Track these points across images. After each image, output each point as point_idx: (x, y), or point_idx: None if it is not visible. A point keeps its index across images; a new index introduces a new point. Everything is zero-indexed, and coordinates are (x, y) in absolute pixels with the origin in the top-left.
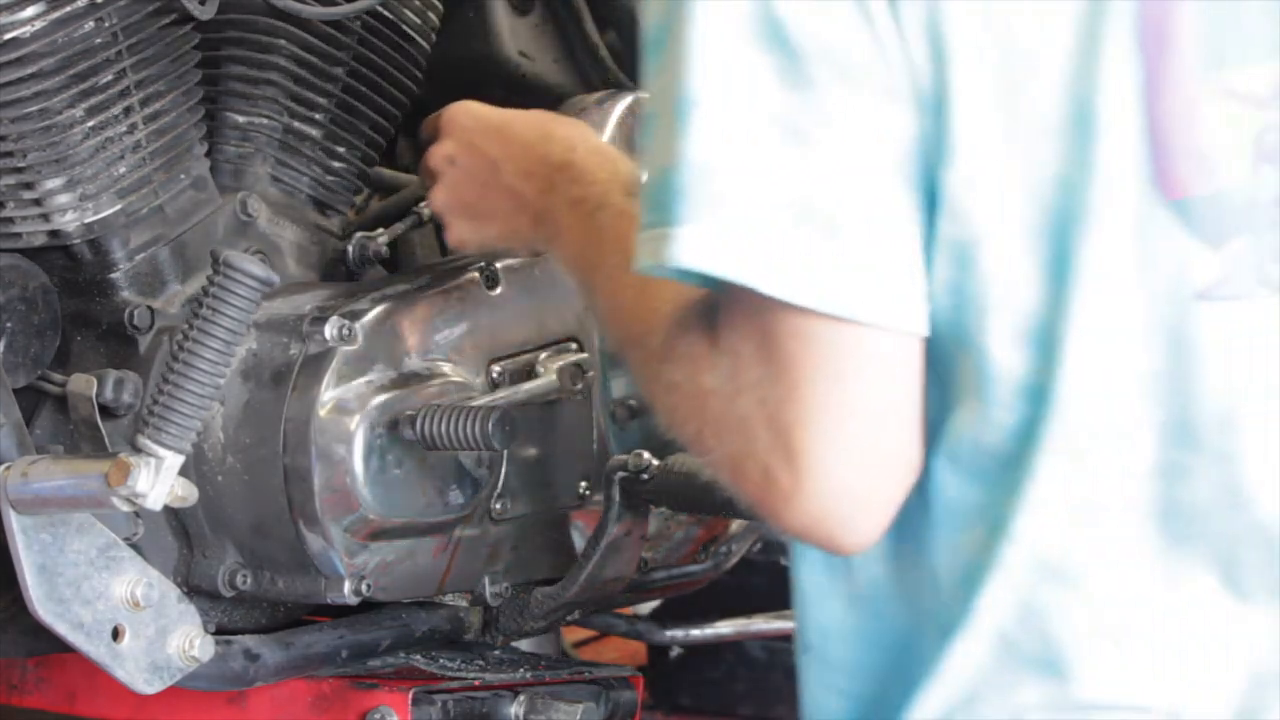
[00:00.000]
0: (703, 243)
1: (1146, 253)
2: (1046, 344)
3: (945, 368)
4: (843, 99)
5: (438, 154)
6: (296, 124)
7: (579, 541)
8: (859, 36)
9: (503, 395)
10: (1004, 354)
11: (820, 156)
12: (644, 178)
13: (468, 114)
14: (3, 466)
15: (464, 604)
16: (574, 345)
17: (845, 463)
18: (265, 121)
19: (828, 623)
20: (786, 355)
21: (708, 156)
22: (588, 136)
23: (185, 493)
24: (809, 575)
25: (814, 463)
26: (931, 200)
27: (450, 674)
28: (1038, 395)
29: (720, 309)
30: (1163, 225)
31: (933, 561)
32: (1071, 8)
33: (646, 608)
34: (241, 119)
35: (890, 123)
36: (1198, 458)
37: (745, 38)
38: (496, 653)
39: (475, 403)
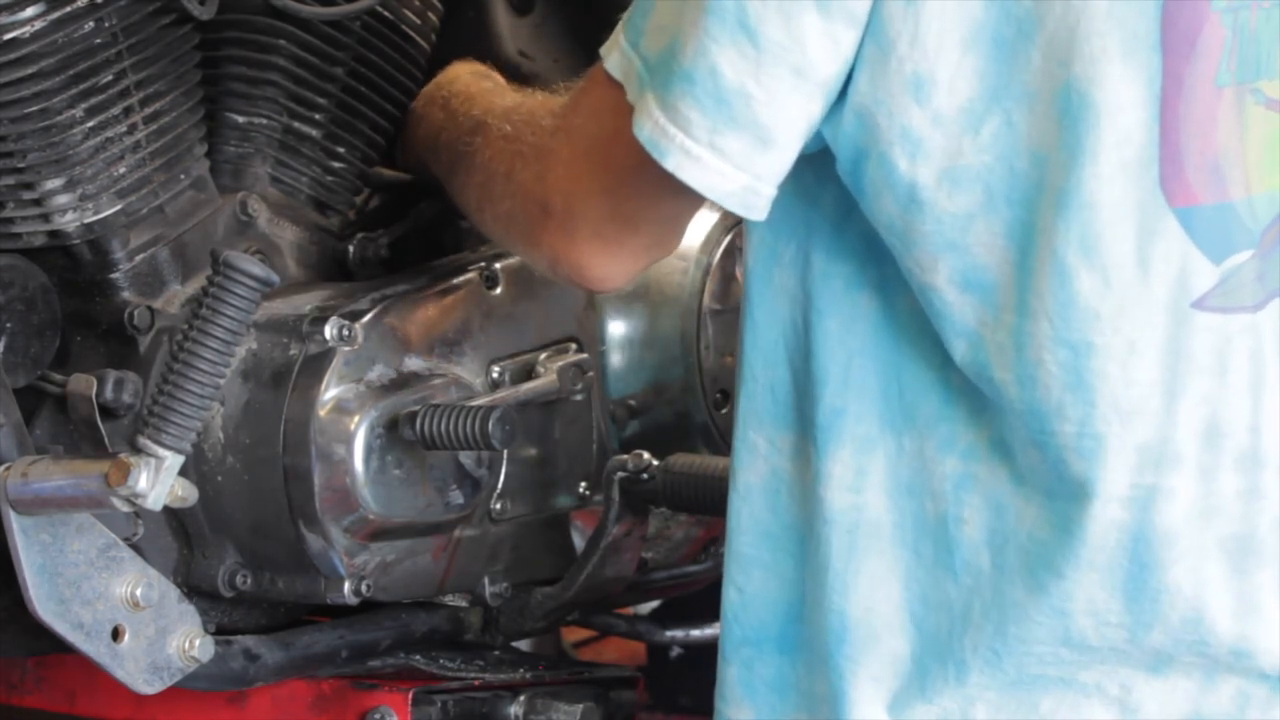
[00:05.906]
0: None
1: (1147, 255)
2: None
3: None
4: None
5: None
6: (296, 124)
7: (579, 541)
8: None
9: (503, 395)
10: (954, 296)
11: (759, 51)
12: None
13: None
14: (3, 466)
15: (464, 604)
16: (574, 345)
17: (601, 235)
18: (265, 121)
19: (733, 516)
20: (616, 155)
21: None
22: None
23: (185, 493)
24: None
25: (576, 223)
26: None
27: (450, 674)
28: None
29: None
30: (1168, 230)
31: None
32: None
33: (646, 608)
34: (241, 119)
35: (837, 42)
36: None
37: None
38: (496, 653)
39: (475, 403)
